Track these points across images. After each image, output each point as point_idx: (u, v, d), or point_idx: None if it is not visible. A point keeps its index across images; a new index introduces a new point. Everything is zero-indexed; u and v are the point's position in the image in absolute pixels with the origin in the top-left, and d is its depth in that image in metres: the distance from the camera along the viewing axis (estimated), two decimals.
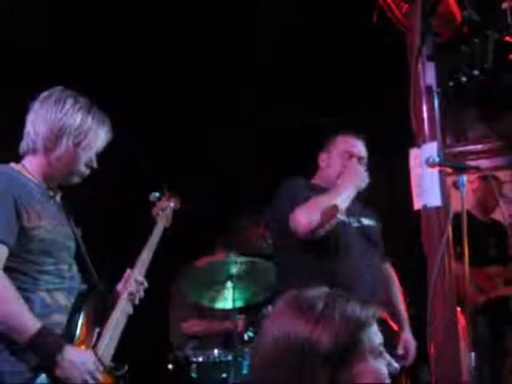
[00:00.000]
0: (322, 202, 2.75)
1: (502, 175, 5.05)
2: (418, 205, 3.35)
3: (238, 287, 3.86)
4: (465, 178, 2.88)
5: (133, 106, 4.65)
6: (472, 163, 5.10)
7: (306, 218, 2.71)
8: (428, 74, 3.67)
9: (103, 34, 4.36)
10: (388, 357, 1.31)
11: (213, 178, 5.00)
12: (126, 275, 2.53)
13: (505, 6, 3.14)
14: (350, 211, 2.94)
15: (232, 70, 4.84)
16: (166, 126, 4.90)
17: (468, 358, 2.88)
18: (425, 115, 3.67)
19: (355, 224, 2.94)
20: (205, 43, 4.75)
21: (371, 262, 2.93)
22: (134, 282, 2.48)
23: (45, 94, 2.34)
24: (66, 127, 2.24)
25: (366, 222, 2.99)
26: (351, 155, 2.97)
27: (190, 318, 4.26)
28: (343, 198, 2.80)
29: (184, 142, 5.01)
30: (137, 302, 2.49)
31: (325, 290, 1.33)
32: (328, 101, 4.61)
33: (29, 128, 2.30)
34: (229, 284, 3.86)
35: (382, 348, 1.30)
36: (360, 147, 3.04)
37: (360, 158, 3.00)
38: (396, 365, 1.33)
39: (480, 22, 3.37)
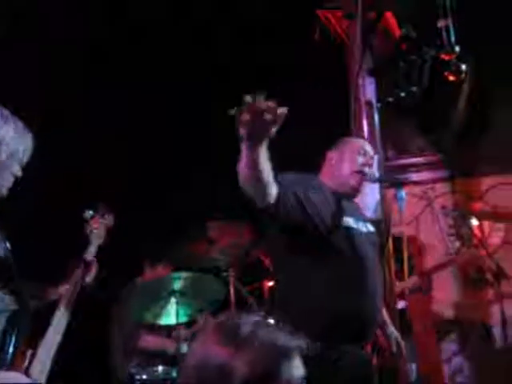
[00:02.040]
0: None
1: (441, 187, 5.19)
2: None
3: (181, 302, 3.82)
4: (403, 192, 2.94)
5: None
6: (413, 176, 5.23)
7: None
8: (368, 90, 3.76)
9: None
10: None
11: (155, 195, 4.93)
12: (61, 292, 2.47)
13: (440, 24, 3.23)
14: (356, 216, 2.83)
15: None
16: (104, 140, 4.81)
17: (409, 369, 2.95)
18: (365, 129, 3.75)
19: (364, 229, 2.87)
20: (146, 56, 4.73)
21: (379, 269, 2.84)
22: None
23: None
24: (2, 139, 2.18)
25: (370, 228, 2.93)
26: (365, 153, 2.90)
27: (142, 333, 4.20)
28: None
29: (122, 156, 4.92)
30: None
31: (256, 317, 1.29)
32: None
33: None
34: (172, 299, 3.82)
35: (302, 382, 1.25)
36: (370, 149, 2.96)
37: (371, 158, 2.91)
38: None
39: (417, 40, 3.47)
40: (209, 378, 1.20)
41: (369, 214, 3.54)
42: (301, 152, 4.13)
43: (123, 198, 2.98)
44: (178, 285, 3.78)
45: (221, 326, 1.27)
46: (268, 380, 1.18)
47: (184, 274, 3.76)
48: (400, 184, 3.03)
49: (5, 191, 2.25)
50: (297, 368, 1.24)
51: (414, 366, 2.83)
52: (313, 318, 2.46)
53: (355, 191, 2.87)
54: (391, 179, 3.36)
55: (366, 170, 2.83)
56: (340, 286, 2.60)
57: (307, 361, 1.27)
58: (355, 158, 2.84)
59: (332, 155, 2.90)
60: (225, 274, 4.09)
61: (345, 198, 2.83)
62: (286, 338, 1.23)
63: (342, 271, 2.65)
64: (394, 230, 3.16)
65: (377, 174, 2.88)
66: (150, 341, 4.17)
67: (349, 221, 2.75)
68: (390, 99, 3.61)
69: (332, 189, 2.82)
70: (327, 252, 2.66)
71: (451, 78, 3.42)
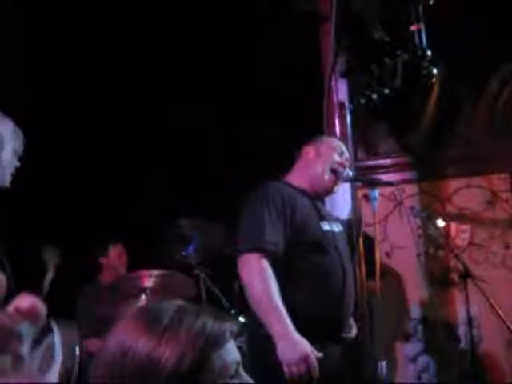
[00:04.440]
0: (267, 305, 2.45)
1: (409, 188, 5.26)
2: None
3: (152, 300, 3.80)
4: (377, 192, 2.96)
5: None
6: (382, 177, 5.28)
7: (257, 280, 2.46)
8: (340, 91, 3.79)
9: None
10: (245, 376, 1.18)
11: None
12: None
13: (413, 28, 3.28)
14: (328, 217, 2.81)
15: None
16: None
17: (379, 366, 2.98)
18: (337, 130, 3.79)
19: (336, 229, 2.80)
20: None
21: (352, 268, 2.82)
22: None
23: None
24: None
25: (340, 227, 2.88)
26: (341, 153, 2.84)
27: (93, 336, 4.14)
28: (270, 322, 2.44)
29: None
30: None
31: (177, 303, 1.17)
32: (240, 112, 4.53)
33: None
34: (143, 297, 3.80)
35: (237, 367, 1.16)
36: (346, 150, 2.93)
37: (346, 159, 2.86)
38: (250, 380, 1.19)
39: (390, 43, 3.52)
40: (129, 371, 1.08)
41: (339, 213, 3.57)
42: (273, 152, 4.14)
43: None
44: (148, 283, 3.76)
45: (140, 314, 1.15)
46: (199, 370, 1.08)
47: (154, 272, 3.74)
48: (373, 184, 3.06)
49: (9, 183, 2.43)
50: (230, 353, 1.14)
51: (383, 363, 2.85)
52: (295, 318, 2.44)
53: (328, 190, 2.84)
54: (365, 179, 3.39)
55: (341, 169, 2.80)
56: (325, 286, 2.59)
57: None
58: (332, 154, 2.80)
59: (308, 149, 2.85)
60: (196, 271, 4.08)
61: (316, 198, 2.81)
62: (214, 323, 1.13)
63: (327, 271, 2.62)
64: (366, 230, 3.20)
65: (350, 174, 2.86)
66: (97, 344, 4.10)
67: (326, 223, 2.73)
68: (362, 100, 3.64)
69: (304, 189, 2.77)
70: (313, 254, 2.62)
71: (422, 81, 3.47)
